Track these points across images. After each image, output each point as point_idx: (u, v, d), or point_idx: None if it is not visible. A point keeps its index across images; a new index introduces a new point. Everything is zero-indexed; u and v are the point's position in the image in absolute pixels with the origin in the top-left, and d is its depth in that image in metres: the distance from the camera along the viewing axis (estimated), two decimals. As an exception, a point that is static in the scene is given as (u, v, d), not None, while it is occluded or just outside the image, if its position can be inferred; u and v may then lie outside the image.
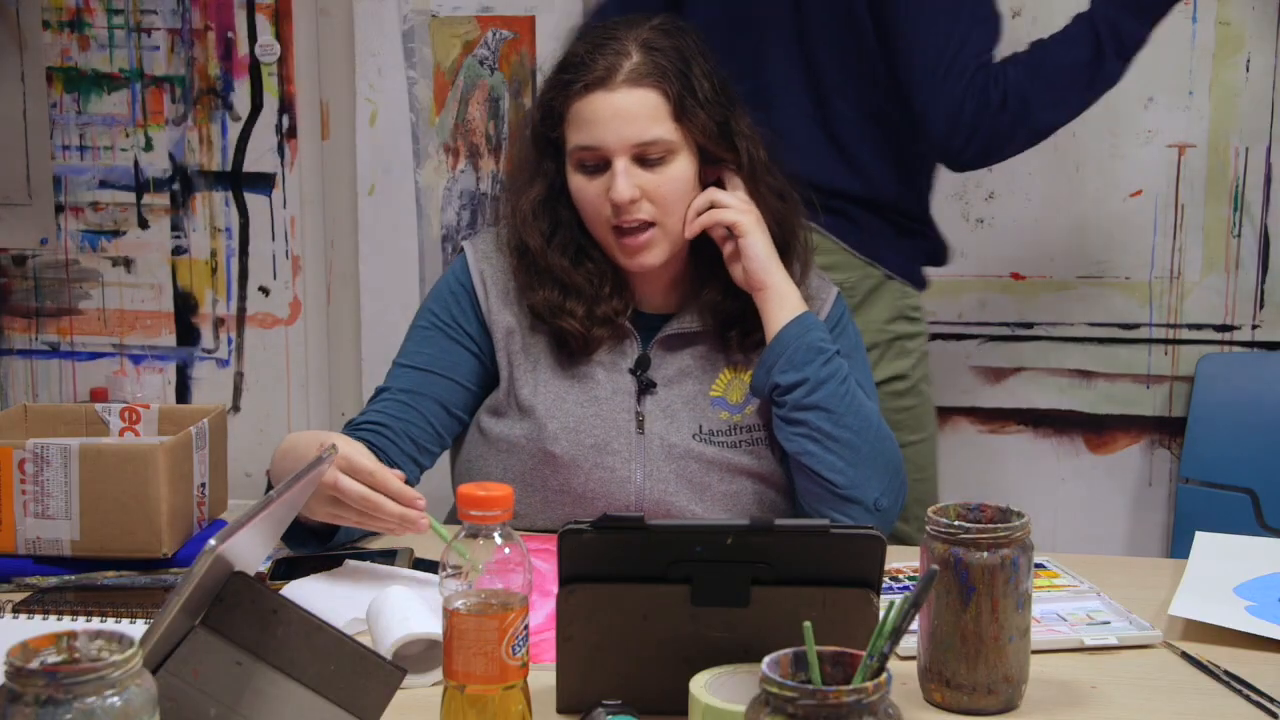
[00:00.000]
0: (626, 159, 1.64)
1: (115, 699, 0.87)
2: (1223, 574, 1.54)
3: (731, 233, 1.68)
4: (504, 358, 1.73)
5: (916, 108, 2.00)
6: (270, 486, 1.63)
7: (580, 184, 1.68)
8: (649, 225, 1.66)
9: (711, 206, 1.68)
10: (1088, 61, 1.97)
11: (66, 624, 1.42)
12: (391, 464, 1.69)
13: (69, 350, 2.76)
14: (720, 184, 1.71)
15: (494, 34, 2.53)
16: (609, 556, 1.18)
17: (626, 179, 1.64)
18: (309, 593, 1.45)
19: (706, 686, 1.13)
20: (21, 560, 1.56)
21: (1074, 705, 1.26)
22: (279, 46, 2.61)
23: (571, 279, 1.70)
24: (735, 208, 1.68)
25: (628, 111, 1.64)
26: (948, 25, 1.98)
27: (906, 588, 1.52)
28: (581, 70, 1.66)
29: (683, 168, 1.67)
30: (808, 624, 0.98)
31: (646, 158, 1.65)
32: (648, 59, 1.65)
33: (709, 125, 1.67)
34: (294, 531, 1.59)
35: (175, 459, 1.59)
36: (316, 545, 1.61)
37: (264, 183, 2.66)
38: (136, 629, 1.39)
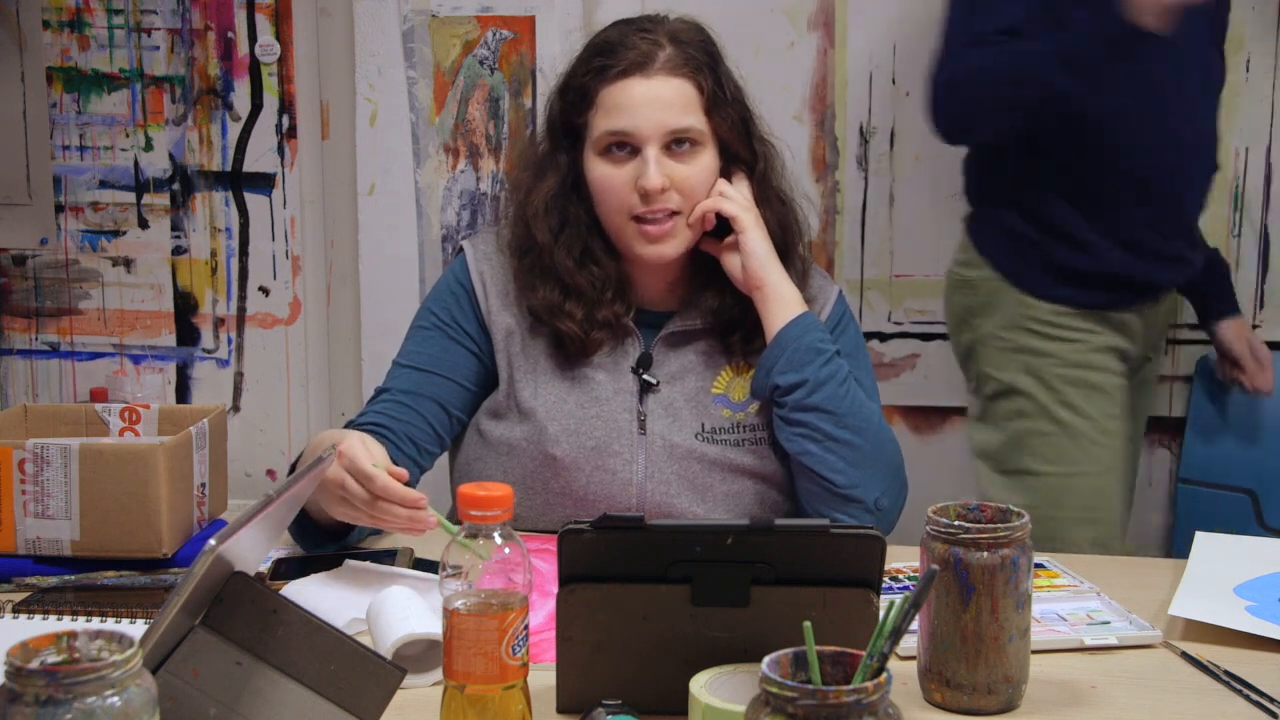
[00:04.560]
0: (658, 147, 1.64)
1: (115, 699, 0.87)
2: (1223, 574, 1.54)
3: (730, 228, 1.69)
4: (504, 359, 1.73)
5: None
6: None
7: (605, 171, 1.68)
8: (673, 214, 1.67)
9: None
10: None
11: (66, 624, 1.42)
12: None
13: (69, 350, 2.76)
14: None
15: (494, 34, 2.53)
16: (609, 556, 1.18)
17: (658, 166, 1.64)
18: (309, 593, 1.45)
19: (706, 686, 1.13)
20: (21, 560, 1.56)
21: (1074, 705, 1.26)
22: (279, 46, 2.61)
23: (574, 279, 1.70)
24: (738, 202, 1.68)
25: (663, 99, 1.64)
26: None
27: (906, 588, 1.52)
28: (617, 55, 1.66)
29: (708, 161, 1.68)
30: (808, 624, 0.98)
31: (676, 148, 1.66)
32: (681, 51, 1.67)
33: (735, 122, 1.69)
34: (310, 532, 1.59)
35: (175, 459, 1.59)
36: (333, 545, 1.61)
37: (264, 183, 2.66)
38: (136, 629, 1.39)
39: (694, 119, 1.66)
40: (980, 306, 2.17)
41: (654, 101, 1.64)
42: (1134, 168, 2.07)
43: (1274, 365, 2.37)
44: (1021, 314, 2.12)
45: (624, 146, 1.66)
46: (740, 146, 1.71)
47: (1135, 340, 2.17)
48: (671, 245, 1.68)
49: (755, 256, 1.68)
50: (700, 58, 1.68)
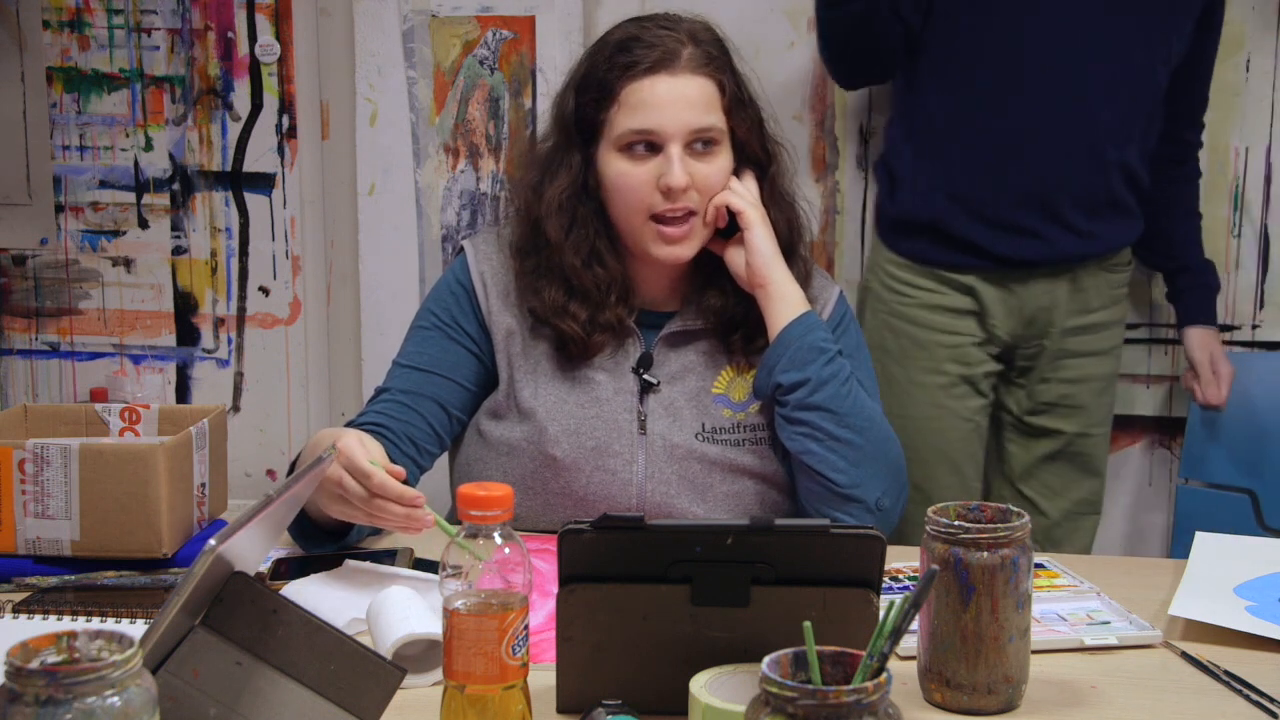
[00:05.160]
0: (681, 145, 1.64)
1: (115, 699, 0.87)
2: (1223, 574, 1.54)
3: (735, 226, 1.69)
4: (504, 359, 1.73)
5: None
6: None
7: (624, 169, 1.67)
8: (691, 214, 1.67)
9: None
10: None
11: (66, 624, 1.42)
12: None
13: (69, 350, 2.76)
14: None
15: (494, 34, 2.53)
16: (609, 556, 1.18)
17: (681, 165, 1.64)
18: (309, 593, 1.45)
19: (706, 686, 1.13)
20: (21, 560, 1.56)
21: (1074, 705, 1.26)
22: (279, 46, 2.61)
23: (580, 280, 1.70)
24: (745, 198, 1.68)
25: (688, 97, 1.65)
26: None
27: (906, 588, 1.52)
28: (642, 52, 1.66)
29: (726, 160, 1.69)
30: (808, 624, 0.99)
31: (697, 146, 1.66)
32: (703, 50, 1.67)
33: (753, 122, 1.70)
34: (309, 532, 1.59)
35: (175, 459, 1.59)
36: (332, 545, 1.61)
37: (264, 183, 2.66)
38: (136, 629, 1.39)
39: (716, 118, 1.67)
40: (868, 258, 2.42)
41: (679, 100, 1.64)
42: (975, 127, 2.16)
43: (1230, 381, 2.38)
44: (877, 262, 2.32)
45: (646, 144, 1.66)
46: (756, 147, 1.71)
47: (992, 310, 2.23)
48: (688, 246, 1.68)
49: (760, 254, 1.68)
50: (721, 57, 1.69)
